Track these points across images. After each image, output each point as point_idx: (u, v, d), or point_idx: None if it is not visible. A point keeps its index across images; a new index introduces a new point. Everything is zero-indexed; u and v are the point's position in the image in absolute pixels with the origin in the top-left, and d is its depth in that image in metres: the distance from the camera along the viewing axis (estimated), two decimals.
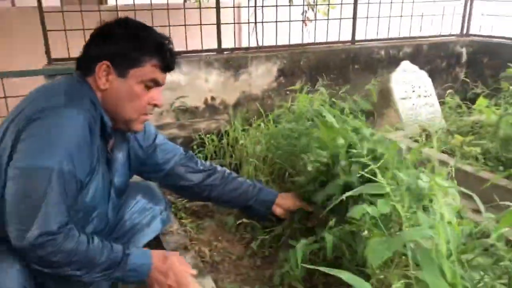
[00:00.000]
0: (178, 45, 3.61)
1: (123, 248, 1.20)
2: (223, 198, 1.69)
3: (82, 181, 1.17)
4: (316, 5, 4.36)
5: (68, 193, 1.11)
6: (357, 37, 4.10)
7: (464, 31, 4.59)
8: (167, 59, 1.31)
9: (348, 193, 1.29)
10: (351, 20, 4.03)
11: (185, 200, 2.16)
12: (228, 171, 1.72)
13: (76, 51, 1.42)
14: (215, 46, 3.59)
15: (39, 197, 1.06)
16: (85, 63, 1.28)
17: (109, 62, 1.24)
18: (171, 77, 3.28)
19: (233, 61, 3.57)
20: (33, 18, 5.42)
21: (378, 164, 1.31)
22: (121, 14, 3.21)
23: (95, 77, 1.26)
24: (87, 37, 1.35)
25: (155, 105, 1.34)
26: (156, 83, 1.32)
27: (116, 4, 3.47)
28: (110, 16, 1.54)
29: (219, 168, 1.71)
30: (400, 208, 1.26)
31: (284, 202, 1.70)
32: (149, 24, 1.44)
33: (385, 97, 3.05)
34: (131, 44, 1.26)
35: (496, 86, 2.80)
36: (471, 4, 4.52)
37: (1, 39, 5.51)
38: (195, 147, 2.67)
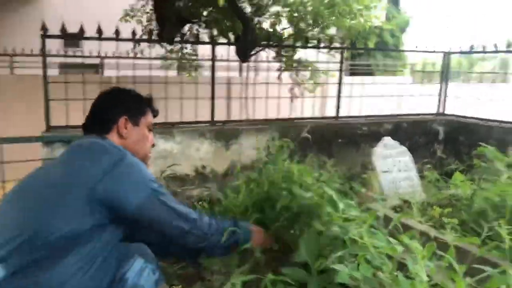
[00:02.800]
0: (172, 116, 3.83)
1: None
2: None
3: None
4: (303, 83, 4.69)
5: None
6: (341, 114, 4.38)
7: (440, 111, 4.93)
8: (155, 108, 1.84)
9: (339, 253, 1.40)
10: (336, 98, 4.33)
11: (178, 267, 2.20)
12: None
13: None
14: (205, 117, 3.81)
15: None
16: (101, 126, 1.64)
17: (126, 116, 1.66)
18: (163, 145, 3.44)
19: (225, 132, 3.76)
20: (30, 85, 5.69)
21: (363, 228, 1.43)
22: (123, 85, 3.45)
23: (115, 132, 1.64)
24: (87, 105, 1.74)
25: (153, 145, 1.81)
26: (151, 127, 1.79)
27: (118, 77, 3.71)
28: (108, 87, 1.83)
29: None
30: (381, 273, 1.36)
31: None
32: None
33: (368, 170, 3.22)
34: (136, 101, 1.74)
35: (469, 163, 2.99)
36: (446, 87, 4.91)
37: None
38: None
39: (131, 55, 5.18)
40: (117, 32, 3.39)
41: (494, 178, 2.56)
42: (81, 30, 3.24)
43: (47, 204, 1.37)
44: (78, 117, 3.37)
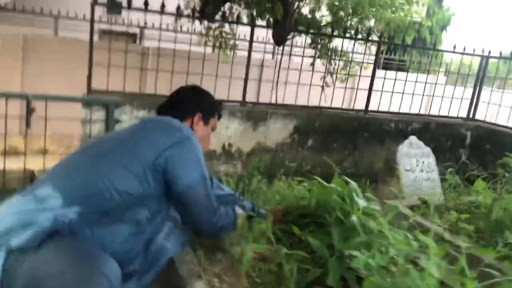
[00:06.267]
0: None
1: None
2: None
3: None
4: (337, 73, 4.71)
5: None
6: (370, 108, 4.41)
7: (471, 116, 4.89)
8: (221, 113, 2.02)
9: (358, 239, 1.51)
10: (367, 91, 4.36)
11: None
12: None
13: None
14: (236, 96, 3.91)
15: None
16: (180, 113, 1.83)
17: (201, 114, 1.85)
18: None
19: (254, 113, 3.86)
20: (72, 48, 5.87)
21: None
22: (164, 60, 3.57)
23: (188, 123, 1.83)
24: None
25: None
26: (215, 128, 1.97)
27: (159, 48, 3.81)
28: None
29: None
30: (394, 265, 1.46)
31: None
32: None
33: (390, 168, 3.28)
34: (211, 103, 1.93)
35: (493, 172, 3.02)
36: (479, 92, 4.85)
37: (43, 63, 5.91)
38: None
39: (171, 28, 5.29)
40: (162, 5, 3.48)
41: None
42: (129, 1, 3.35)
43: (118, 163, 1.53)
44: (117, 82, 3.55)
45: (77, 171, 1.55)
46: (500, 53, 4.75)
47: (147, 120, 1.78)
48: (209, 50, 6.21)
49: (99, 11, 5.05)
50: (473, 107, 4.89)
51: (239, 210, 1.93)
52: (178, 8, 3.58)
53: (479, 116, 4.92)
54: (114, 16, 4.15)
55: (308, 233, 2.11)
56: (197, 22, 5.00)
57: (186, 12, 5.40)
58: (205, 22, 5.18)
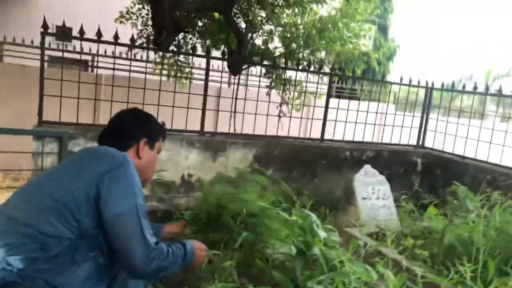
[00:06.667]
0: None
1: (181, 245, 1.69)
2: None
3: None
4: (292, 103, 4.82)
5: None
6: (325, 136, 4.53)
7: (420, 143, 5.14)
8: (165, 136, 1.97)
9: (322, 276, 1.50)
10: (321, 121, 4.48)
11: None
12: None
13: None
14: (195, 127, 3.89)
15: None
16: (122, 141, 1.74)
17: (146, 139, 1.78)
18: None
19: (213, 143, 3.84)
20: (18, 75, 5.63)
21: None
22: (118, 89, 3.50)
23: (133, 150, 1.75)
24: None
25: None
26: (160, 152, 1.91)
27: (113, 76, 3.73)
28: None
29: None
30: None
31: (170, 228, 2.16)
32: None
33: (348, 195, 3.36)
34: (156, 127, 1.88)
35: (444, 198, 3.16)
36: (426, 120, 5.13)
37: None
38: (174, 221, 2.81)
39: (125, 56, 5.23)
40: (116, 36, 3.45)
41: (465, 215, 2.72)
42: (81, 30, 3.29)
43: (48, 208, 1.43)
44: (68, 112, 3.42)
45: (12, 218, 1.43)
46: (442, 85, 5.06)
47: (81, 152, 1.68)
48: (164, 78, 6.20)
49: (47, 37, 4.91)
50: (421, 135, 5.14)
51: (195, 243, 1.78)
52: (132, 38, 3.54)
53: (428, 143, 5.17)
54: (64, 43, 4.02)
55: (270, 267, 2.09)
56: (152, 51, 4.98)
57: (140, 41, 5.38)
58: (160, 52, 5.17)
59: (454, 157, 4.70)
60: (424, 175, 4.93)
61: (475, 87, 4.65)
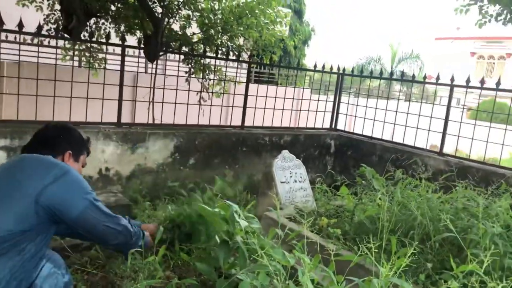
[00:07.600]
0: (77, 115, 3.73)
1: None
2: None
3: None
4: (213, 90, 4.85)
5: None
6: (246, 123, 4.64)
7: (333, 126, 5.47)
8: (90, 150, 2.15)
9: (243, 271, 1.60)
10: (242, 108, 4.57)
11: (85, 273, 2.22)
12: None
13: None
14: (111, 118, 3.77)
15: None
16: (52, 151, 1.86)
17: (71, 152, 1.92)
18: None
19: (132, 135, 3.76)
20: None
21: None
22: (23, 76, 3.25)
23: (61, 160, 1.87)
24: None
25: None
26: (84, 165, 2.08)
27: (19, 64, 3.47)
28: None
29: None
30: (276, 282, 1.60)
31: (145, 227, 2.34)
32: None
33: (268, 180, 3.51)
34: (80, 141, 2.03)
35: (354, 179, 3.42)
36: (338, 104, 5.46)
37: None
38: None
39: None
40: (20, 24, 3.19)
41: (372, 193, 2.99)
42: None
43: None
44: None
45: None
46: (352, 70, 5.43)
47: (23, 158, 1.80)
48: (76, 64, 5.85)
49: None
50: (334, 118, 5.47)
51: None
52: (40, 26, 3.31)
53: (341, 126, 5.52)
54: None
55: (195, 258, 2.16)
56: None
57: (47, 27, 5.01)
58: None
59: (363, 138, 5.09)
60: (336, 157, 5.28)
61: (381, 73, 5.04)
